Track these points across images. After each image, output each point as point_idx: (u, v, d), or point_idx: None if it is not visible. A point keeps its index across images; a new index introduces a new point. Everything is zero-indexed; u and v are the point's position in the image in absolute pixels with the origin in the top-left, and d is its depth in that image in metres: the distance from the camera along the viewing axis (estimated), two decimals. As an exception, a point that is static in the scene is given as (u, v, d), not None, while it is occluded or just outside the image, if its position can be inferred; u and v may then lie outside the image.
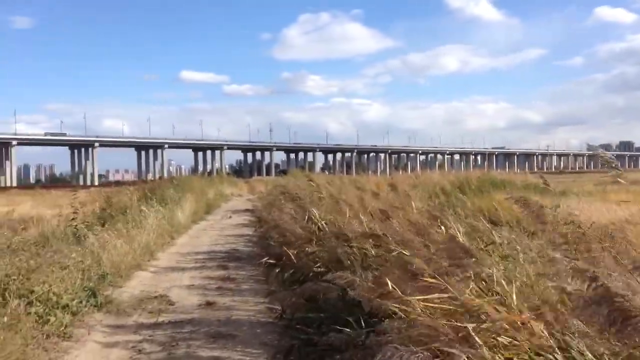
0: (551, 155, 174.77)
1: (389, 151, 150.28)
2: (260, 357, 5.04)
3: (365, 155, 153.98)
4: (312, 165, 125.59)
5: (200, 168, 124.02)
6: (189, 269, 9.65)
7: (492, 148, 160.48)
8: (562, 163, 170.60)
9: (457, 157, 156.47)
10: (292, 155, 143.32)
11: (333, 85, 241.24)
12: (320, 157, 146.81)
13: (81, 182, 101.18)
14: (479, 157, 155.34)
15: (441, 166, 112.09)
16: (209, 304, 7.08)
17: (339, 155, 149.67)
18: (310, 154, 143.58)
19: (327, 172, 73.72)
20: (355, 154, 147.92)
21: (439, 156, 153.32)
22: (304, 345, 4.71)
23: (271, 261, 8.43)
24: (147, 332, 5.88)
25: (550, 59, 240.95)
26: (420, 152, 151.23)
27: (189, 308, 6.91)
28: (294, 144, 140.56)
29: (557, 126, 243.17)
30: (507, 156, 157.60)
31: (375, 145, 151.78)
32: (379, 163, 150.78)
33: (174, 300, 7.28)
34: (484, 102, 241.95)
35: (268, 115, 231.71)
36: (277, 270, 8.05)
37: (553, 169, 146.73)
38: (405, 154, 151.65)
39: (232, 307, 6.94)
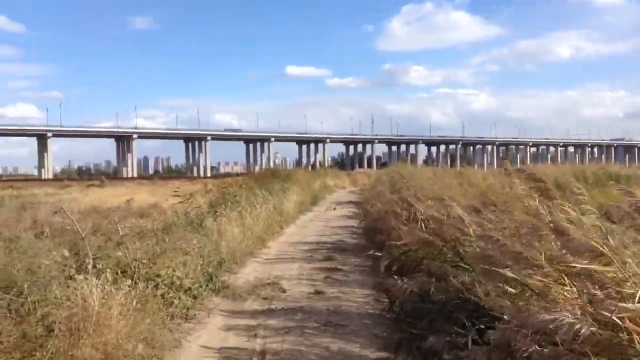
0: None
1: (497, 143, 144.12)
2: (371, 348, 5.10)
3: (471, 148, 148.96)
4: (414, 158, 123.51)
5: (304, 160, 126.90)
6: (298, 259, 9.96)
7: (611, 140, 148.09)
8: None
9: (571, 149, 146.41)
10: (394, 148, 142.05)
11: (437, 76, 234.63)
12: (423, 149, 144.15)
13: (195, 174, 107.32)
14: (595, 150, 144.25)
15: (554, 159, 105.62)
16: (318, 292, 7.28)
17: (442, 147, 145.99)
18: (412, 146, 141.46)
19: (430, 165, 72.27)
20: (460, 145, 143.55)
21: (551, 148, 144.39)
22: (414, 339, 4.71)
23: (377, 253, 8.49)
24: (262, 318, 6.17)
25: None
26: (530, 144, 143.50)
27: (299, 296, 7.15)
28: (396, 136, 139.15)
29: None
30: (628, 148, 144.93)
31: (482, 137, 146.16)
32: (485, 155, 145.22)
33: (285, 288, 7.57)
34: (599, 90, 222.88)
35: (370, 108, 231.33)
36: (384, 263, 8.08)
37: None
38: (514, 146, 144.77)
39: (341, 297, 7.08)
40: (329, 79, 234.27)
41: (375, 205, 12.51)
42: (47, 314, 3.94)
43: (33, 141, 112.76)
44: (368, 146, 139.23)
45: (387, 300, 6.20)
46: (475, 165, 69.71)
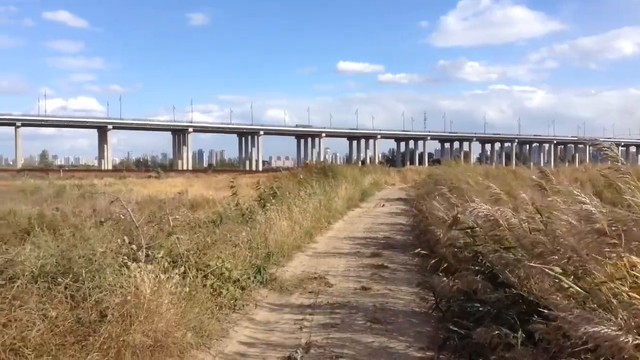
0: None
1: (555, 142, 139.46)
2: (416, 346, 5.06)
3: (527, 146, 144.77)
4: (467, 155, 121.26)
5: (355, 156, 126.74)
6: (345, 254, 9.97)
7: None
8: None
9: (632, 149, 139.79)
10: (447, 145, 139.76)
11: (492, 72, 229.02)
12: (476, 146, 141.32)
13: (247, 167, 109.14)
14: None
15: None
16: (364, 289, 7.27)
17: (497, 145, 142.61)
18: (465, 144, 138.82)
19: (484, 163, 70.74)
20: (515, 144, 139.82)
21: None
22: (460, 339, 4.63)
23: (424, 252, 8.39)
24: (308, 311, 6.23)
25: None
26: (589, 143, 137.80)
27: (346, 291, 7.16)
28: (449, 132, 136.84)
29: None
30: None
31: (539, 135, 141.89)
32: (542, 154, 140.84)
33: (332, 283, 7.60)
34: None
35: (422, 104, 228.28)
36: (431, 261, 7.98)
37: None
38: (573, 145, 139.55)
39: (387, 294, 7.06)
40: (381, 74, 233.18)
41: (424, 202, 12.35)
42: (101, 300, 4.10)
43: (94, 133, 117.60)
44: (420, 143, 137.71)
45: (433, 298, 6.13)
46: (532, 165, 67.60)
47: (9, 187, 48.44)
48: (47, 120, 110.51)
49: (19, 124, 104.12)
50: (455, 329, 4.71)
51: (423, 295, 6.81)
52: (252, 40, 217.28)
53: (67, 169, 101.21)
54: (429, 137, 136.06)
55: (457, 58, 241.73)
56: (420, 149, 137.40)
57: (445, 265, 7.02)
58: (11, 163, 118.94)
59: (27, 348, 3.46)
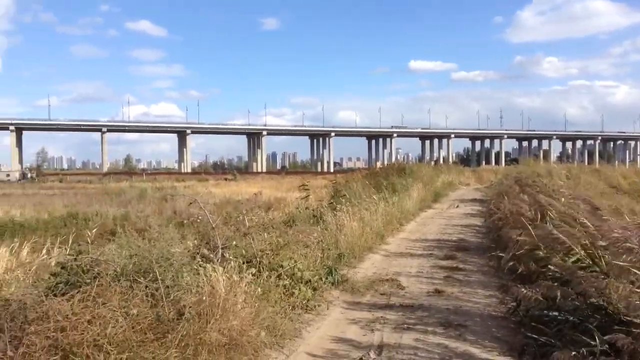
0: None
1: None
2: (492, 351, 4.89)
3: (611, 143, 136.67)
4: (547, 154, 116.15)
5: (427, 156, 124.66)
6: (417, 256, 9.81)
7: None
8: None
9: None
10: (525, 143, 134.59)
11: (572, 67, 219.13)
12: (557, 145, 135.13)
13: (319, 169, 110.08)
14: None
15: None
16: (437, 291, 7.12)
17: (578, 143, 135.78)
18: (545, 142, 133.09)
19: (564, 162, 67.48)
20: (599, 141, 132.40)
21: None
22: (539, 346, 4.44)
23: (501, 254, 8.11)
24: (380, 313, 6.17)
25: None
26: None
27: (418, 294, 7.04)
28: (527, 130, 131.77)
29: None
30: None
31: (624, 132, 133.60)
32: (627, 152, 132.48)
33: (404, 285, 7.49)
34: None
35: (498, 102, 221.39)
36: (508, 264, 7.71)
37: None
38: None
39: (461, 297, 6.87)
40: (454, 72, 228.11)
41: (501, 203, 11.94)
42: (179, 298, 4.26)
43: (174, 137, 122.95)
44: (496, 141, 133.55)
45: (511, 303, 5.91)
46: (617, 163, 63.65)
47: (96, 189, 51.53)
48: (130, 126, 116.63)
49: (104, 129, 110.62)
50: (535, 336, 4.53)
51: (501, 299, 6.58)
52: (323, 43, 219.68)
53: (149, 172, 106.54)
54: (505, 136, 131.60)
55: (534, 54, 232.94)
56: (496, 148, 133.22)
57: (523, 269, 6.77)
58: (98, 167, 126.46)
59: (109, 344, 3.63)
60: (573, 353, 3.59)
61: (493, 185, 26.31)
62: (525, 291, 4.91)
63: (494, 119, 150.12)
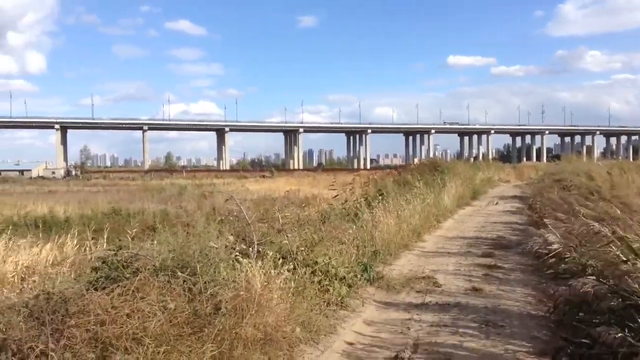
0: None
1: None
2: (529, 351, 4.79)
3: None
4: (590, 150, 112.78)
5: (466, 153, 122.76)
6: (454, 254, 9.68)
7: None
8: None
9: None
10: (567, 139, 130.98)
11: (616, 61, 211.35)
12: (600, 140, 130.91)
13: (355, 166, 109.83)
14: None
15: None
16: (475, 289, 7.01)
17: (623, 138, 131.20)
18: (588, 137, 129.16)
19: (609, 158, 65.42)
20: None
21: None
22: (576, 346, 4.32)
23: (541, 251, 7.94)
24: (415, 311, 6.13)
25: None
26: None
27: (455, 292, 6.95)
28: (569, 126, 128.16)
29: None
30: None
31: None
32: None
33: (441, 283, 7.41)
34: None
35: (539, 97, 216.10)
36: (549, 262, 7.54)
37: None
38: None
39: (499, 295, 6.75)
40: (494, 67, 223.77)
41: (541, 201, 11.68)
42: (216, 293, 4.32)
43: (213, 135, 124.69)
44: (537, 137, 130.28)
45: (549, 302, 5.77)
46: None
47: (138, 186, 52.76)
48: (170, 124, 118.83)
49: (145, 127, 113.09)
50: (572, 336, 4.43)
51: (540, 298, 6.44)
52: (360, 39, 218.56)
53: (189, 169, 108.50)
54: (547, 132, 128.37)
55: (576, 47, 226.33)
56: (537, 144, 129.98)
57: (564, 265, 6.62)
58: (139, 165, 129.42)
59: (148, 337, 3.72)
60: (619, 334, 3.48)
61: (533, 183, 25.74)
62: (563, 288, 4.80)
63: (535, 115, 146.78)
